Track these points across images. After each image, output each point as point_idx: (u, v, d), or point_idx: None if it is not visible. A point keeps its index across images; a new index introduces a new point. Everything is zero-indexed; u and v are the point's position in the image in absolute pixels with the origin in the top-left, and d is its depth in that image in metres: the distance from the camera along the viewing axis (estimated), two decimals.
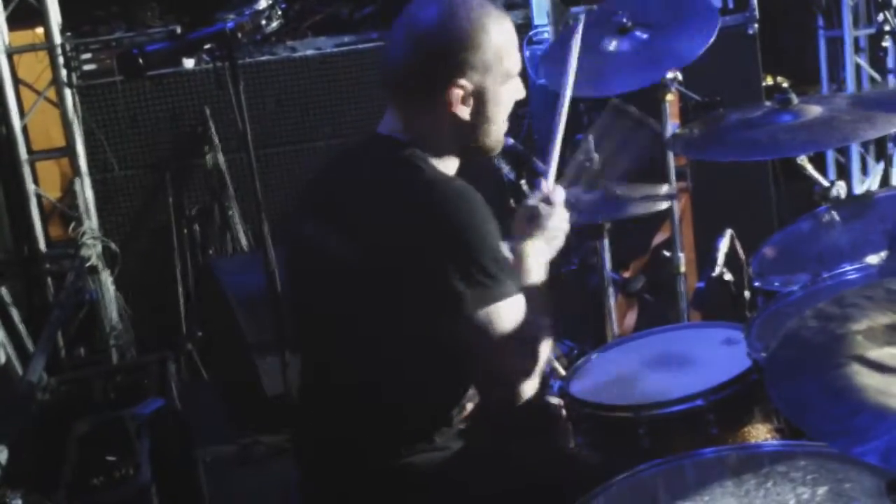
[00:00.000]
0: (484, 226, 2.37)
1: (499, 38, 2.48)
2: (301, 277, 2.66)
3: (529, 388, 2.41)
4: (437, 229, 2.35)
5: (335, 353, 2.54)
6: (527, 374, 2.40)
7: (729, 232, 3.01)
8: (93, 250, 5.65)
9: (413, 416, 2.48)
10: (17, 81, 5.87)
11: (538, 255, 2.58)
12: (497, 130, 2.57)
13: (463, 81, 2.45)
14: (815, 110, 2.93)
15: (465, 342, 2.34)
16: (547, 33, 5.40)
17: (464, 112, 2.48)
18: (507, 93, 2.54)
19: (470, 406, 2.62)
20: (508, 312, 2.34)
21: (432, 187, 2.42)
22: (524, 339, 2.37)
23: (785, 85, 2.98)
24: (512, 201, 3.75)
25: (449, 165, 2.56)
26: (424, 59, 2.47)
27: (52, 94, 5.85)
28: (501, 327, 2.33)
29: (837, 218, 3.06)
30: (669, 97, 3.96)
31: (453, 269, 2.31)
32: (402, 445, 2.45)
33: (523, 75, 5.41)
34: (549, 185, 2.80)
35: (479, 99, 2.48)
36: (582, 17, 2.87)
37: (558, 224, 2.69)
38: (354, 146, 2.67)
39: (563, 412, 2.82)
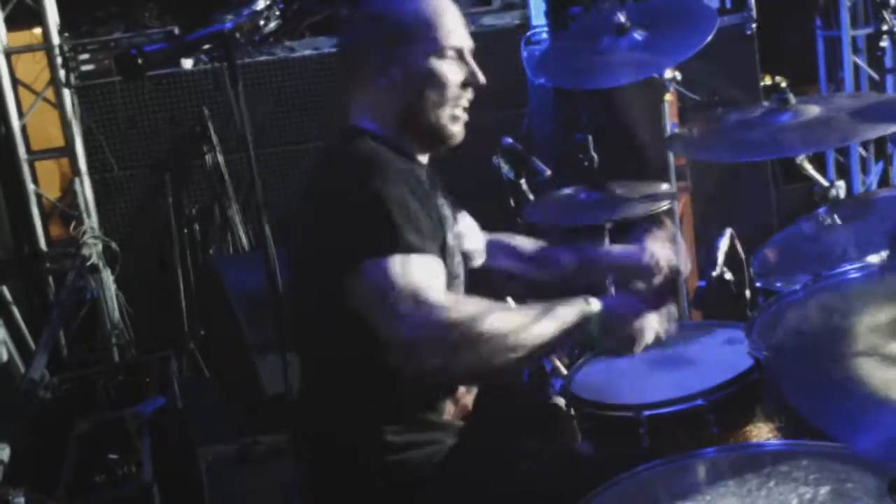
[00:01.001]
0: (394, 184, 2.33)
1: (425, 11, 2.50)
2: (288, 276, 2.69)
3: (439, 361, 2.17)
4: (348, 193, 2.36)
5: (314, 349, 2.56)
6: (434, 345, 2.16)
7: (729, 231, 3.01)
8: (93, 249, 5.65)
9: (397, 404, 2.46)
10: (15, 82, 5.87)
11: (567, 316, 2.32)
12: (433, 111, 2.52)
13: (386, 53, 2.49)
14: (813, 110, 2.94)
15: (364, 299, 2.22)
16: (545, 34, 5.42)
17: (394, 87, 2.50)
18: (440, 69, 2.50)
19: (468, 398, 2.62)
20: (411, 267, 2.21)
21: (347, 158, 2.45)
22: (436, 307, 2.18)
23: (783, 85, 2.97)
24: (512, 201, 3.77)
25: (413, 156, 2.57)
26: (355, 36, 2.57)
27: (50, 94, 5.85)
28: (401, 280, 2.19)
29: (837, 218, 3.06)
30: (668, 97, 3.97)
31: (358, 225, 2.29)
32: (393, 435, 2.44)
33: (521, 75, 5.44)
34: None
35: (406, 73, 2.49)
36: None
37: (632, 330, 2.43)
38: (332, 142, 2.68)
39: (568, 411, 2.81)
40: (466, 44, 2.55)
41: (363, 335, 2.23)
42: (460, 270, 2.59)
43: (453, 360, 2.17)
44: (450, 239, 2.52)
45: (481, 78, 2.56)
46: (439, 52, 2.49)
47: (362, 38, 2.54)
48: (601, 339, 2.39)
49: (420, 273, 2.22)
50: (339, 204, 2.37)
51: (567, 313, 2.31)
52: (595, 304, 2.35)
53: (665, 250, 2.96)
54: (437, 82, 2.50)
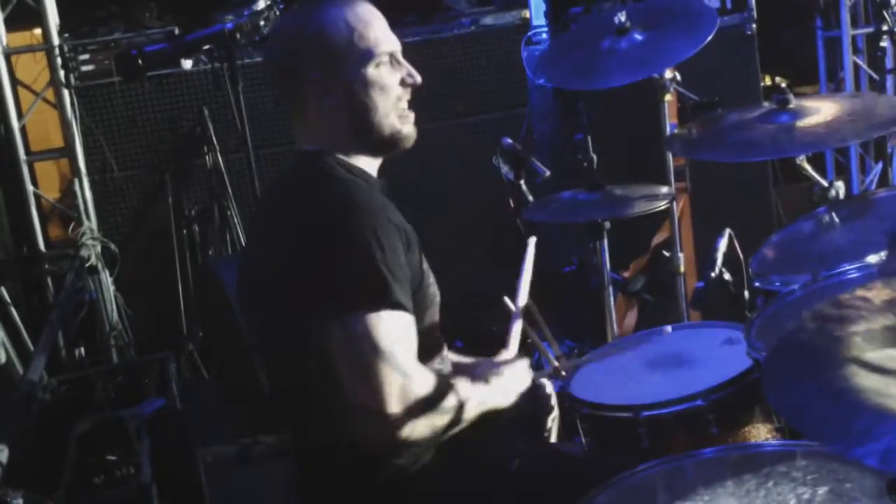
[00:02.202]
0: (381, 225, 2.33)
1: (348, 23, 2.48)
2: (242, 291, 2.67)
3: (403, 428, 2.25)
4: (327, 234, 2.35)
5: (271, 367, 2.63)
6: (400, 407, 2.24)
7: (728, 232, 3.02)
8: (92, 250, 5.64)
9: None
10: (15, 82, 5.86)
11: (483, 392, 2.50)
12: (383, 118, 2.51)
13: (317, 73, 2.48)
14: (813, 110, 2.94)
15: (337, 350, 2.27)
16: (545, 34, 5.42)
17: (334, 105, 2.49)
18: (377, 76, 2.49)
19: None
20: (389, 325, 2.27)
21: (332, 195, 2.43)
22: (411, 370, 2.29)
23: (783, 85, 2.97)
24: (511, 202, 3.76)
25: (365, 164, 2.56)
26: (282, 62, 2.56)
27: (50, 94, 5.84)
28: (378, 339, 2.24)
29: (836, 218, 3.06)
30: (668, 97, 3.97)
31: (336, 270, 2.30)
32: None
33: (521, 75, 5.43)
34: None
35: (344, 88, 2.48)
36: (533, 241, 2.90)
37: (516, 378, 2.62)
38: (289, 166, 2.69)
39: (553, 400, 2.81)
40: (396, 46, 2.55)
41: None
42: (436, 291, 2.60)
43: (409, 429, 2.26)
44: (424, 262, 2.54)
45: (417, 77, 2.56)
46: (375, 61, 2.49)
47: (294, 63, 2.52)
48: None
49: (396, 335, 2.27)
50: (323, 241, 2.35)
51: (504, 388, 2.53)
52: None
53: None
54: (379, 90, 2.50)
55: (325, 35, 2.47)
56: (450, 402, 2.35)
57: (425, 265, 2.56)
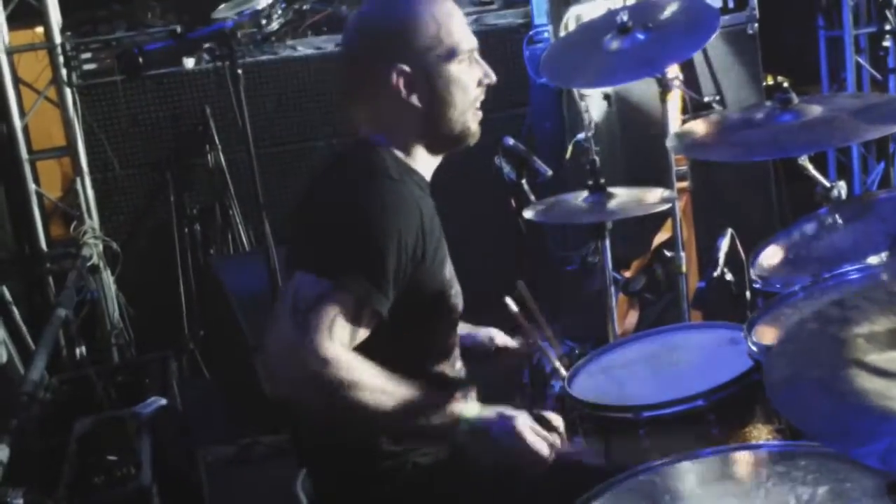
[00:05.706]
0: (379, 225, 2.31)
1: (435, 17, 2.47)
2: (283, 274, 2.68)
3: (299, 395, 2.23)
4: (335, 210, 2.37)
5: None
6: (303, 384, 2.19)
7: (729, 232, 3.01)
8: (94, 249, 5.65)
9: None
10: (17, 81, 5.87)
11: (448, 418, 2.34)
12: (459, 115, 2.52)
13: (403, 66, 2.45)
14: (815, 110, 2.93)
15: (282, 296, 2.26)
16: (547, 33, 5.42)
17: (414, 98, 2.47)
18: (459, 73, 2.49)
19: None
20: (340, 306, 2.22)
21: (355, 181, 2.42)
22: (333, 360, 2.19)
23: (785, 84, 2.97)
24: (513, 201, 3.76)
25: (422, 162, 2.55)
26: (362, 51, 2.53)
27: (52, 93, 5.85)
28: (319, 311, 2.20)
29: (839, 219, 3.05)
30: (670, 96, 3.96)
31: (330, 238, 2.31)
32: (390, 439, 2.45)
33: (523, 74, 5.43)
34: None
35: (427, 82, 2.47)
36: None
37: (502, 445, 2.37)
38: (342, 149, 2.67)
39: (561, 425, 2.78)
40: (475, 44, 2.55)
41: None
42: (459, 301, 2.59)
43: (312, 401, 2.23)
44: (447, 272, 2.52)
45: (493, 77, 2.57)
46: (458, 58, 2.49)
47: (377, 54, 2.49)
48: (472, 449, 2.37)
49: (342, 319, 2.22)
50: (337, 207, 2.38)
51: (441, 411, 2.33)
52: (471, 410, 2.36)
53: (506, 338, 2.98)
54: (461, 87, 2.50)
55: (412, 28, 2.47)
56: (358, 400, 2.22)
57: (450, 274, 2.55)
